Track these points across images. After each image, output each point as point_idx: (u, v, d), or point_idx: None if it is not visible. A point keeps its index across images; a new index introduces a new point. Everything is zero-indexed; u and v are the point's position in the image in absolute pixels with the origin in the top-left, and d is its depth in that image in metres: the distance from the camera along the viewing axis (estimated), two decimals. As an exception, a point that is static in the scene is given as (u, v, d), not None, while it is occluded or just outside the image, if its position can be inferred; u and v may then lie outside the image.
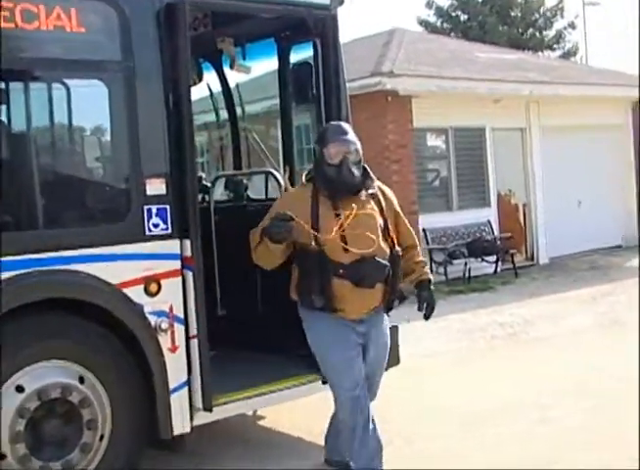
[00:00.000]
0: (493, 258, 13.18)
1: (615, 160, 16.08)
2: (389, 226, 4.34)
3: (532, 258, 14.59)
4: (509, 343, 8.51)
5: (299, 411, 6.07)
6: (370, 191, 4.33)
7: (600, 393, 6.35)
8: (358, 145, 4.29)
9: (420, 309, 4.47)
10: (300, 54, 5.62)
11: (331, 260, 4.18)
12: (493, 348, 8.20)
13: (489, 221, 13.78)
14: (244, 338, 5.93)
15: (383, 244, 4.25)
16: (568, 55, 32.43)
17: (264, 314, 5.89)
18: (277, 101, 5.97)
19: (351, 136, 4.31)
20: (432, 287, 4.53)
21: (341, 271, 4.18)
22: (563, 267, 13.90)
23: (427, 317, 4.48)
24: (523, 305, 10.68)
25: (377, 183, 4.43)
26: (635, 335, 8.54)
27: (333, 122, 4.50)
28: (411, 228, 4.59)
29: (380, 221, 4.28)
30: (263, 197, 6.20)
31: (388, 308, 4.46)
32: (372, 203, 4.30)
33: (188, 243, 4.61)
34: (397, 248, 4.34)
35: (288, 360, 5.52)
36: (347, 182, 4.23)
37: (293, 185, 5.34)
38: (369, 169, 4.37)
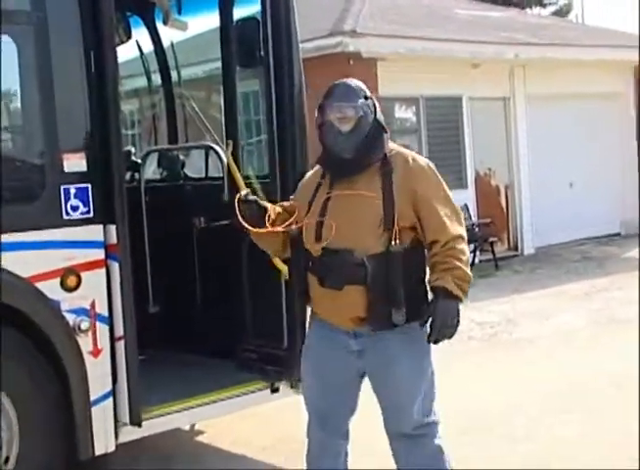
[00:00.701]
0: (470, 247, 13.27)
1: (613, 134, 16.32)
2: (396, 214, 3.76)
3: (516, 248, 14.81)
4: (488, 345, 8.63)
5: (245, 424, 6.11)
6: (382, 168, 3.87)
7: (597, 400, 6.49)
8: (353, 110, 3.84)
9: (422, 326, 3.74)
10: (246, 8, 5.61)
11: (306, 251, 3.93)
12: (470, 351, 8.30)
13: (466, 205, 13.88)
14: (181, 339, 5.96)
15: (371, 236, 3.77)
16: (561, 12, 32.76)
17: (205, 312, 5.91)
18: (219, 64, 5.96)
19: (347, 98, 3.87)
20: (456, 299, 3.69)
21: (310, 264, 3.91)
22: (551, 258, 14.07)
23: (431, 340, 3.71)
24: (504, 301, 10.82)
25: (403, 157, 3.93)
26: (635, 333, 8.76)
27: (337, 82, 4.02)
28: (449, 219, 3.81)
29: (378, 207, 3.79)
30: (203, 175, 6.21)
31: (381, 324, 3.78)
32: (378, 183, 3.83)
33: (113, 228, 4.59)
34: (397, 244, 3.75)
35: (232, 365, 5.56)
36: (334, 157, 3.90)
37: (236, 162, 5.35)
38: (385, 139, 3.94)
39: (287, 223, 3.91)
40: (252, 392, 5.29)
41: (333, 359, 3.95)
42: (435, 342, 3.70)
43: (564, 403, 6.44)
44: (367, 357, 3.90)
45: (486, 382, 7.16)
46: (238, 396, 5.23)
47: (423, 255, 3.88)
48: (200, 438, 6.08)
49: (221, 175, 5.64)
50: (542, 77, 14.70)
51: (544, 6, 33.24)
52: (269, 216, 3.91)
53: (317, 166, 4.08)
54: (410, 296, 3.74)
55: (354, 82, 4.00)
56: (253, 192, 5.20)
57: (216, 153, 5.79)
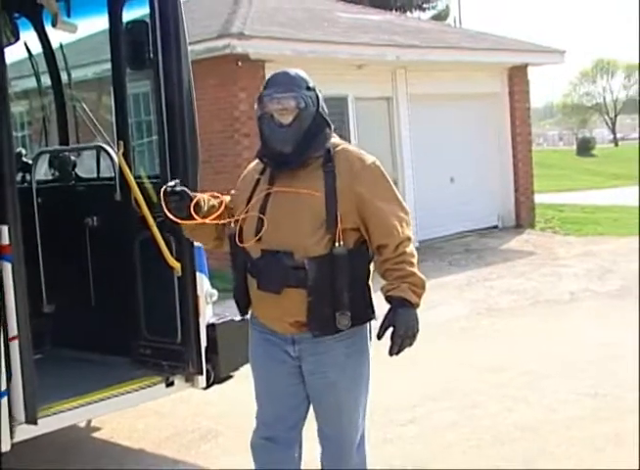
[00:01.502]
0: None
1: (490, 131, 16.62)
2: (339, 214, 3.48)
3: (400, 241, 14.87)
4: (372, 335, 8.69)
5: (142, 419, 6.07)
6: (324, 164, 3.58)
7: (475, 390, 6.62)
8: (294, 101, 3.55)
9: (379, 337, 3.45)
10: (135, 11, 5.53)
11: (245, 251, 3.64)
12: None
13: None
14: (77, 337, 5.86)
15: (312, 237, 3.49)
16: (439, 16, 33.28)
17: (100, 310, 5.83)
18: (109, 65, 5.88)
19: (287, 89, 3.57)
20: (414, 307, 3.46)
21: (249, 266, 3.64)
22: (434, 251, 14.27)
23: (393, 351, 3.43)
24: (389, 293, 10.91)
25: (347, 154, 3.65)
26: (512, 321, 9.02)
27: (278, 71, 3.73)
28: (397, 221, 3.53)
29: (320, 207, 3.50)
30: (94, 175, 6.12)
31: (324, 328, 3.52)
32: (320, 181, 3.55)
33: (5, 229, 4.49)
34: (341, 245, 3.47)
35: (127, 361, 5.50)
36: (273, 151, 3.61)
37: (128, 162, 5.30)
38: (328, 134, 3.68)
39: (214, 215, 3.65)
40: (148, 386, 5.21)
41: (274, 366, 3.73)
42: (398, 352, 3.43)
43: (443, 391, 6.60)
44: (306, 362, 3.66)
45: (373, 371, 7.25)
46: (134, 391, 5.14)
47: (367, 256, 3.60)
48: (97, 434, 6.00)
49: (113, 175, 5.57)
50: (423, 78, 14.88)
51: (424, 10, 33.76)
52: (200, 208, 3.63)
53: (257, 160, 3.78)
54: (355, 299, 3.50)
55: (296, 71, 3.70)
56: (143, 193, 5.18)
57: (107, 153, 5.72)
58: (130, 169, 5.28)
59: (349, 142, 13.54)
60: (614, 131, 70.88)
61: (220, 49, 12.03)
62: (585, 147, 47.88)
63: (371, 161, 3.67)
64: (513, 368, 7.12)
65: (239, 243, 3.64)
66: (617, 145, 62.50)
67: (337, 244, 3.47)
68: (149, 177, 5.44)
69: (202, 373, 5.19)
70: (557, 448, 5.32)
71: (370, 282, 3.62)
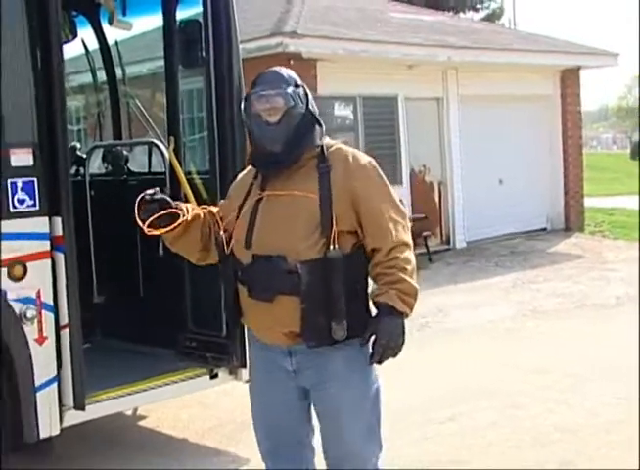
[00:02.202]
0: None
1: (541, 134, 16.52)
2: (334, 216, 3.31)
3: (448, 242, 14.93)
4: (419, 335, 8.74)
5: (186, 410, 6.19)
6: (318, 165, 3.43)
7: (517, 390, 6.63)
8: (282, 99, 3.40)
9: (362, 344, 3.31)
10: (188, 10, 5.65)
11: (235, 258, 3.46)
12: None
13: (401, 201, 13.96)
14: (124, 328, 5.99)
15: (305, 240, 3.31)
16: (492, 17, 33.12)
17: (148, 302, 5.95)
18: (162, 62, 6.00)
19: (274, 87, 3.43)
20: (401, 316, 3.26)
21: (239, 274, 3.43)
22: (481, 252, 14.28)
23: (373, 361, 3.27)
24: (436, 293, 10.92)
25: (342, 154, 3.48)
26: (557, 323, 9.02)
27: (266, 70, 3.59)
28: (392, 223, 3.36)
29: (315, 209, 3.33)
30: (146, 170, 6.25)
31: (319, 339, 3.31)
32: (314, 182, 3.38)
33: (59, 221, 4.62)
34: (336, 248, 3.28)
35: (173, 353, 5.62)
36: (263, 151, 3.45)
37: (178, 158, 5.41)
38: (318, 132, 3.50)
39: (176, 224, 3.44)
40: (193, 378, 5.35)
41: (272, 383, 3.51)
42: (379, 362, 3.25)
43: (484, 391, 6.64)
44: (304, 376, 3.43)
45: (416, 370, 7.31)
46: (179, 381, 5.29)
47: (364, 262, 3.38)
48: (142, 423, 6.13)
49: (163, 171, 5.68)
50: (474, 79, 14.86)
51: (477, 10, 33.59)
52: (179, 217, 3.44)
53: (249, 167, 3.63)
54: (352, 308, 3.28)
55: (283, 70, 3.57)
56: (193, 189, 5.25)
57: (159, 149, 5.83)
58: (180, 165, 5.39)
59: (399, 141, 13.62)
60: (669, 135, 69.88)
61: (273, 47, 12.13)
62: (638, 151, 47.25)
63: (367, 160, 3.50)
64: (556, 371, 7.12)
65: (227, 251, 3.47)
66: (672, 149, 61.58)
67: (331, 247, 3.28)
68: (198, 173, 5.56)
69: (245, 366, 5.27)
70: (596, 452, 5.33)
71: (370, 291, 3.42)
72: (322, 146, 3.46)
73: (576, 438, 5.58)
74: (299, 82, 3.49)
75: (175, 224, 3.45)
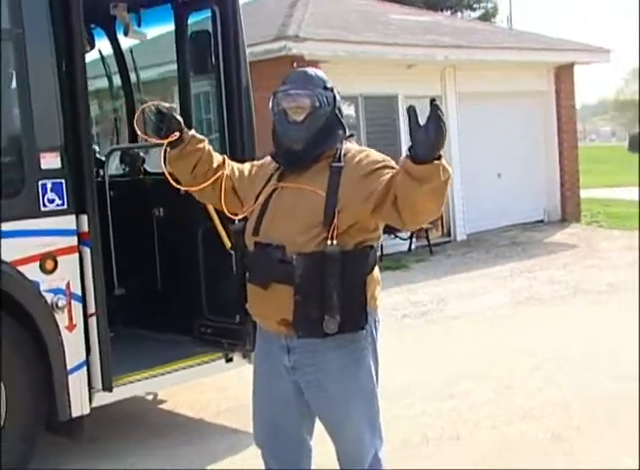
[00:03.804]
0: (407, 234, 13.61)
1: (537, 128, 16.79)
2: (336, 213, 3.29)
3: (449, 234, 15.18)
4: (420, 321, 9.07)
5: (202, 394, 6.50)
6: (332, 163, 3.42)
7: (510, 371, 6.95)
8: (309, 99, 3.42)
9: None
10: (199, 21, 5.97)
11: (245, 245, 3.51)
12: (404, 327, 8.74)
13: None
14: (144, 318, 6.31)
15: (306, 233, 3.31)
16: (488, 15, 33.31)
17: (165, 292, 6.27)
18: (174, 66, 6.30)
19: (303, 86, 3.45)
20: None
21: (245, 260, 3.51)
22: (481, 243, 14.53)
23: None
24: (437, 283, 11.26)
25: (356, 153, 3.47)
26: (553, 309, 9.32)
27: (298, 69, 3.66)
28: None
29: (320, 204, 3.33)
30: (161, 171, 6.53)
31: (310, 330, 3.31)
32: (325, 178, 3.38)
33: (85, 218, 4.94)
34: (334, 244, 3.26)
35: (190, 339, 5.95)
36: (284, 148, 3.49)
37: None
38: (339, 135, 3.50)
39: (171, 138, 3.56)
40: (209, 362, 5.66)
41: (272, 377, 3.54)
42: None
43: (481, 372, 6.96)
44: (302, 373, 3.45)
45: (419, 353, 7.66)
46: (196, 365, 5.60)
47: (367, 261, 3.40)
48: (162, 406, 6.42)
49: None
50: (472, 77, 15.08)
51: (474, 10, 33.79)
52: (185, 141, 3.59)
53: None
54: (346, 304, 3.26)
55: (314, 70, 3.57)
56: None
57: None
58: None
59: (400, 138, 13.77)
60: (666, 128, 69.84)
61: (277, 51, 12.39)
62: (636, 143, 47.34)
63: (381, 157, 3.46)
64: (548, 352, 7.41)
65: (245, 238, 3.50)
66: (669, 141, 61.58)
67: (329, 242, 3.27)
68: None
69: (256, 350, 5.59)
70: (582, 425, 5.63)
71: (373, 292, 3.45)
72: (340, 148, 3.46)
73: (565, 413, 5.88)
74: (329, 85, 3.50)
75: (170, 138, 3.56)
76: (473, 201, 15.07)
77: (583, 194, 17.52)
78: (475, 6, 33.59)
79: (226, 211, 3.70)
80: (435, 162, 3.03)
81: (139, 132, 3.90)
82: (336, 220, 3.28)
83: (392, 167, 3.35)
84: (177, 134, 3.60)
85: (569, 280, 11.07)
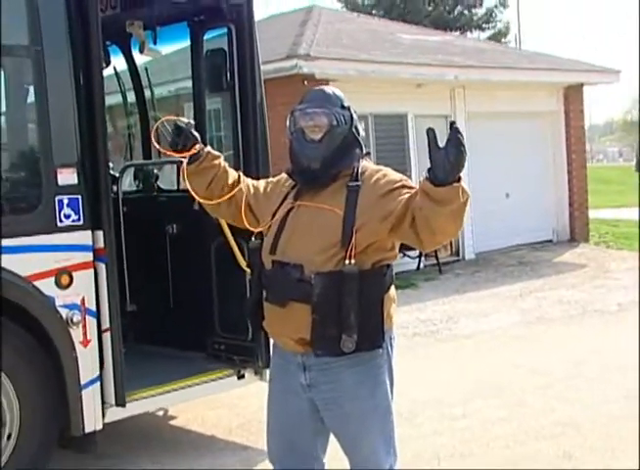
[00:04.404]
0: (416, 253, 13.52)
1: (545, 148, 16.78)
2: (354, 232, 3.29)
3: (458, 254, 15.14)
4: (430, 340, 9.07)
5: (214, 411, 6.50)
6: (349, 182, 3.41)
7: (522, 390, 6.94)
8: (326, 118, 3.43)
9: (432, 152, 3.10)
10: (215, 39, 5.98)
11: (262, 264, 3.51)
12: (414, 345, 8.73)
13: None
14: (156, 334, 6.32)
15: (324, 253, 3.31)
16: (499, 35, 33.43)
17: (177, 309, 6.28)
18: (186, 83, 6.35)
19: (320, 105, 3.46)
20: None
21: (263, 278, 3.50)
22: (489, 263, 14.55)
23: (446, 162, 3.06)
24: (446, 301, 11.26)
25: (374, 173, 3.47)
26: (562, 329, 9.31)
27: (315, 88, 3.67)
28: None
29: (338, 223, 3.32)
30: (175, 187, 6.58)
31: (327, 349, 3.32)
32: (342, 198, 3.37)
33: (100, 234, 4.97)
34: (352, 264, 3.26)
35: (202, 356, 5.96)
36: (301, 166, 3.48)
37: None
38: (357, 154, 3.51)
39: (188, 153, 3.63)
40: (222, 378, 5.69)
41: (287, 394, 3.55)
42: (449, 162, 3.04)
43: (493, 390, 6.96)
44: (318, 391, 3.46)
45: (429, 371, 7.64)
46: (209, 381, 5.61)
47: (384, 280, 3.41)
48: (173, 422, 6.43)
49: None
50: (481, 97, 15.09)
51: (483, 30, 33.91)
52: (200, 157, 3.64)
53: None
54: (363, 323, 3.27)
55: (332, 89, 3.59)
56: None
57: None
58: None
59: (409, 157, 13.80)
60: (673, 148, 69.92)
61: (288, 69, 12.42)
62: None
63: (399, 176, 3.47)
64: (559, 372, 7.43)
65: (262, 257, 3.51)
66: (675, 162, 61.60)
67: (347, 262, 3.27)
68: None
69: (268, 366, 5.59)
70: (595, 444, 5.63)
71: (389, 311, 3.45)
72: (357, 167, 3.46)
73: (577, 432, 5.88)
74: (346, 103, 3.52)
75: (190, 153, 3.62)
76: (481, 220, 15.00)
77: (591, 214, 17.50)
78: (484, 26, 33.72)
79: (247, 225, 3.72)
80: (455, 184, 3.07)
81: (156, 146, 3.93)
82: (354, 240, 3.28)
83: (411, 187, 3.36)
84: (197, 148, 3.65)
85: (578, 300, 11.07)
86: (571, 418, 6.16)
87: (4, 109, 5.07)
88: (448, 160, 3.04)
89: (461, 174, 3.10)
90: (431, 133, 3.08)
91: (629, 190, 30.37)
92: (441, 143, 3.08)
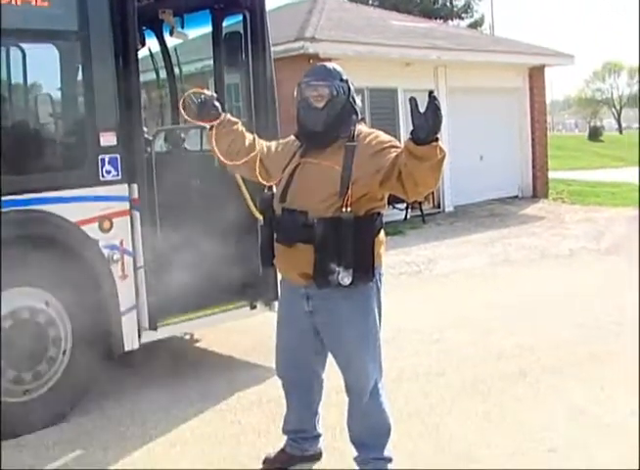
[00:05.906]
0: (403, 205, 13.45)
1: (513, 119, 16.69)
2: (350, 184, 3.35)
3: (439, 206, 15.10)
4: (413, 279, 9.11)
5: (232, 335, 6.51)
6: (347, 142, 3.47)
7: (488, 320, 6.98)
8: (328, 89, 3.48)
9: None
10: (232, 24, 5.94)
11: (273, 210, 3.58)
12: (400, 282, 8.77)
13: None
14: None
15: (325, 201, 3.38)
16: (475, 24, 33.06)
17: (199, 250, 6.26)
18: (209, 62, 6.30)
19: (323, 78, 3.51)
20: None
21: (274, 223, 3.57)
22: (465, 214, 14.50)
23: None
24: (428, 247, 11.25)
25: (368, 135, 3.52)
26: (523, 269, 9.32)
27: (318, 64, 3.71)
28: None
29: (336, 177, 3.38)
30: (198, 148, 6.56)
31: (327, 282, 3.39)
32: (341, 156, 3.43)
33: (135, 187, 4.98)
34: (348, 211, 3.34)
35: (221, 289, 5.94)
36: (307, 130, 3.53)
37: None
38: (353, 120, 3.55)
39: (212, 123, 3.75)
40: (237, 308, 5.69)
41: (293, 320, 3.66)
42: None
43: (464, 320, 7.00)
44: (318, 316, 3.57)
45: (412, 304, 7.68)
46: (226, 311, 5.62)
47: (375, 226, 3.48)
48: (198, 344, 6.47)
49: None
50: (459, 75, 14.96)
51: (462, 18, 33.56)
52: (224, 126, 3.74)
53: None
54: (358, 261, 3.37)
55: (332, 65, 3.63)
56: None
57: (209, 131, 6.12)
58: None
59: (399, 125, 13.70)
60: (619, 121, 69.57)
61: (296, 50, 12.31)
62: (595, 134, 46.96)
63: (387, 138, 3.52)
64: (520, 304, 7.44)
65: (273, 204, 3.58)
66: (621, 133, 61.26)
67: (344, 209, 3.35)
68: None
69: (277, 299, 5.62)
70: (547, 364, 5.65)
71: (379, 251, 3.50)
72: (353, 130, 3.51)
73: (532, 353, 5.90)
74: (344, 77, 3.57)
75: (213, 121, 3.76)
76: (459, 178, 15.00)
77: (550, 175, 17.43)
78: (463, 15, 33.41)
79: (260, 179, 3.75)
80: (434, 143, 3.11)
81: (184, 115, 3.91)
82: (350, 191, 3.36)
83: (398, 147, 3.41)
84: (221, 116, 3.75)
85: (537, 245, 11.07)
86: (528, 342, 6.19)
87: (59, 84, 5.02)
88: (427, 122, 3.06)
89: (438, 136, 3.10)
90: (412, 101, 3.10)
91: (582, 155, 30.31)
92: (422, 109, 3.07)
